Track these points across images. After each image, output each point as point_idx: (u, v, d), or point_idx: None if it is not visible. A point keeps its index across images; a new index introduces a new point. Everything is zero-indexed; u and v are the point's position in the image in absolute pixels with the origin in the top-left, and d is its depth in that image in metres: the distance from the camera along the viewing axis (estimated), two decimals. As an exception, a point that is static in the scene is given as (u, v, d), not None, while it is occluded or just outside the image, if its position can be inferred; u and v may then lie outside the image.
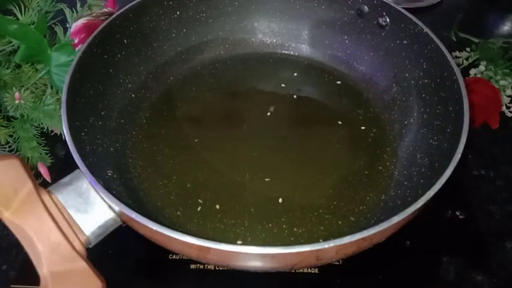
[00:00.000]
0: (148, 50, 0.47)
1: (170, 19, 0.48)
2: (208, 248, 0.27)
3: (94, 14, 0.47)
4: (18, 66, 0.45)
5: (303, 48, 0.52)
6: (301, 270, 0.37)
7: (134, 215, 0.28)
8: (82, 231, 0.30)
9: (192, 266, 0.38)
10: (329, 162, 0.42)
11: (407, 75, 0.44)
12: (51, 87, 0.45)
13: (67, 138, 0.32)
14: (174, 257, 0.38)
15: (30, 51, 0.44)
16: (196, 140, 0.43)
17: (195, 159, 0.42)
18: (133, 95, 0.45)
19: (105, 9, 0.48)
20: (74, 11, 0.48)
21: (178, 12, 0.48)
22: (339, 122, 0.45)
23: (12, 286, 0.36)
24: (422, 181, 0.36)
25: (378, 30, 0.46)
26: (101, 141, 0.39)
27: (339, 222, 0.38)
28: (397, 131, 0.44)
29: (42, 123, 0.44)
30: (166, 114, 0.46)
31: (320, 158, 0.42)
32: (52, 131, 0.45)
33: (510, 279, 0.38)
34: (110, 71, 0.43)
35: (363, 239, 0.27)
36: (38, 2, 0.47)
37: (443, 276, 0.38)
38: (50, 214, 0.29)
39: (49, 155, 0.44)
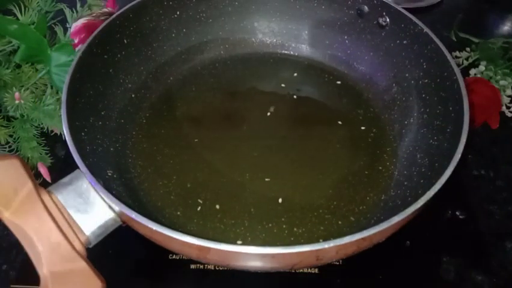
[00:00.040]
0: (148, 50, 0.47)
1: (170, 19, 0.48)
2: (208, 248, 0.27)
3: (94, 14, 0.47)
4: (18, 66, 0.45)
5: (303, 48, 0.52)
6: (301, 270, 0.37)
7: (134, 215, 0.28)
8: (82, 231, 0.30)
9: (192, 266, 0.38)
10: (329, 162, 0.42)
11: (407, 75, 0.44)
12: (51, 87, 0.45)
13: (67, 138, 0.32)
14: (174, 257, 0.38)
15: (30, 51, 0.44)
16: (196, 140, 0.43)
17: (195, 159, 0.42)
18: (133, 95, 0.45)
19: (105, 9, 0.48)
20: (74, 11, 0.48)
21: (178, 12, 0.48)
22: (339, 122, 0.45)
23: (12, 286, 0.36)
24: (422, 181, 0.36)
25: (378, 30, 0.46)
26: (101, 141, 0.39)
27: (339, 222, 0.38)
28: (397, 131, 0.44)
29: (42, 123, 0.44)
30: (166, 114, 0.46)
31: (320, 158, 0.42)
32: (52, 131, 0.45)
33: (510, 279, 0.38)
34: (110, 71, 0.43)
35: (363, 239, 0.27)
36: (38, 2, 0.47)
37: (443, 276, 0.38)
38: (50, 214, 0.29)
39: (49, 155, 0.44)
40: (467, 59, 0.55)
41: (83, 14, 0.48)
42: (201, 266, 0.38)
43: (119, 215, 0.31)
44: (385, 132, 0.44)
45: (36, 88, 0.45)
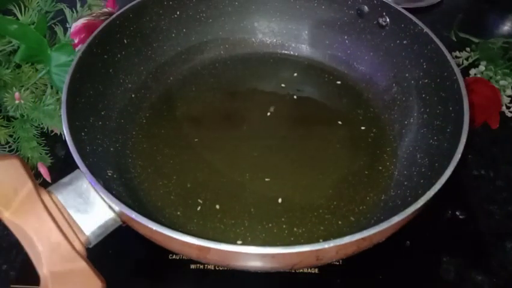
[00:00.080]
0: (148, 50, 0.47)
1: (170, 19, 0.48)
2: (208, 248, 0.27)
3: (94, 14, 0.47)
4: (18, 66, 0.45)
5: (303, 48, 0.52)
6: (301, 270, 0.37)
7: (134, 215, 0.28)
8: (82, 231, 0.30)
9: (192, 266, 0.38)
10: (329, 162, 0.42)
11: (407, 75, 0.44)
12: (51, 87, 0.45)
13: (67, 138, 0.32)
14: (174, 257, 0.38)
15: (30, 51, 0.44)
16: (196, 140, 0.43)
17: (195, 159, 0.42)
18: (133, 95, 0.45)
19: (105, 9, 0.48)
20: (74, 11, 0.48)
21: (178, 12, 0.48)
22: (339, 122, 0.45)
23: (12, 286, 0.36)
24: (422, 181, 0.36)
25: (378, 30, 0.46)
26: (101, 141, 0.39)
27: (339, 222, 0.38)
28: (397, 131, 0.44)
29: (42, 123, 0.44)
30: (166, 114, 0.46)
31: (320, 158, 0.42)
32: (52, 131, 0.45)
33: (510, 279, 0.38)
34: (110, 71, 0.43)
35: (363, 239, 0.27)
36: (38, 2, 0.47)
37: (443, 276, 0.38)
38: (50, 214, 0.29)
39: (49, 155, 0.44)
40: (467, 59, 0.55)
41: (83, 14, 0.48)
42: (201, 266, 0.38)
43: (119, 215, 0.31)
44: (385, 132, 0.44)
45: (36, 88, 0.45)
